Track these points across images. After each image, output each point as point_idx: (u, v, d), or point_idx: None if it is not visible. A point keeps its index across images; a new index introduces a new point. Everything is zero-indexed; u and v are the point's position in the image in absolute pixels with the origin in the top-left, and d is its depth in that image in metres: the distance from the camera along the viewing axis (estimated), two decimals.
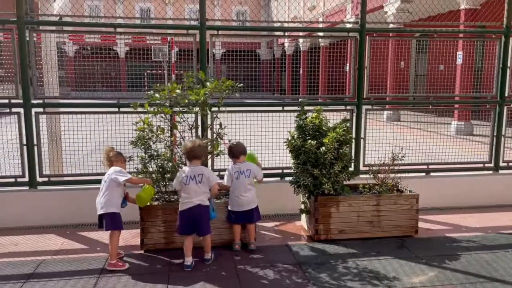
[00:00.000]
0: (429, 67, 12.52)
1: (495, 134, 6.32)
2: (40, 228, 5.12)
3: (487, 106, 6.50)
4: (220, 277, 3.91)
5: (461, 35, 7.08)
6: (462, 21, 12.19)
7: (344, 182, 4.93)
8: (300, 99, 5.64)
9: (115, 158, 4.27)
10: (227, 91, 4.65)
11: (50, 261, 4.22)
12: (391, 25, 10.78)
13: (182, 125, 4.75)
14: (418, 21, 9.62)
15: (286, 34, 5.93)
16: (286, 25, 6.15)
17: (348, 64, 6.53)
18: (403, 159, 5.17)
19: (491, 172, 6.35)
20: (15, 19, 4.98)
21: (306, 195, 4.93)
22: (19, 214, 5.15)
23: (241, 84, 4.74)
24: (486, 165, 6.35)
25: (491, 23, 6.35)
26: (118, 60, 12.68)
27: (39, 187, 5.30)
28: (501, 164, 6.38)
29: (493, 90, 6.33)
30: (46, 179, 5.36)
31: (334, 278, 3.88)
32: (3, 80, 5.40)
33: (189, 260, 4.08)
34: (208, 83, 4.63)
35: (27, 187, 5.27)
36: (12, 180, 5.27)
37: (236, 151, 4.61)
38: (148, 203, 4.44)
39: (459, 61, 11.58)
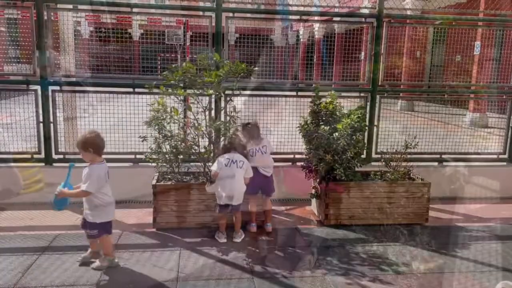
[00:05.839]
0: (446, 58, 12.28)
1: (511, 125, 6.23)
2: None
3: (504, 97, 6.40)
4: (230, 257, 3.97)
5: (480, 23, 6.93)
6: (481, 9, 11.90)
7: (356, 169, 4.93)
8: (313, 85, 5.62)
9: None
10: (241, 74, 4.65)
11: (65, 235, 4.33)
12: (408, 12, 10.55)
13: (196, 107, 4.77)
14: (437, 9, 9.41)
15: (302, 18, 5.86)
16: (302, 9, 6.08)
17: (363, 52, 6.46)
18: (416, 147, 5.15)
19: (505, 163, 6.29)
20: None
21: (317, 180, 4.95)
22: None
23: (256, 68, 4.73)
24: (500, 156, 6.29)
25: None
26: (132, 43, 12.69)
27: (55, 164, 5.41)
28: None
29: (511, 80, 6.23)
30: (61, 156, 5.46)
31: (343, 262, 3.91)
32: (21, 58, 5.47)
33: None
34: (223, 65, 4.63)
35: (43, 164, 5.38)
36: (29, 156, 5.38)
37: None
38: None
39: (477, 51, 11.35)
